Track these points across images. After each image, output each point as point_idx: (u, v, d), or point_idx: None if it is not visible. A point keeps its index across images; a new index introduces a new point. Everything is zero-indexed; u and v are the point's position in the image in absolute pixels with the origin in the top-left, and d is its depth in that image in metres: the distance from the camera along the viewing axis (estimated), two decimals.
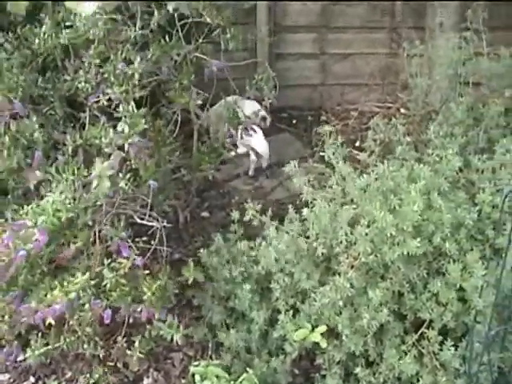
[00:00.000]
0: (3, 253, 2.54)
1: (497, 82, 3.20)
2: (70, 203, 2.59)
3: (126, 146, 2.79)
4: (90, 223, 2.76)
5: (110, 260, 2.82)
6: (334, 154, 2.80)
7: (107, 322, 2.77)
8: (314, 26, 5.44)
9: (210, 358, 3.21)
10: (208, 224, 4.25)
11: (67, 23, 3.35)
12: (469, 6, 4.57)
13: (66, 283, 2.69)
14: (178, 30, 3.45)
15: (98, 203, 2.75)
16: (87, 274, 2.68)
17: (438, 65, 3.30)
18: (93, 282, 2.74)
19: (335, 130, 4.35)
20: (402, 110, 4.07)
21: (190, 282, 3.07)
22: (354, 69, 5.54)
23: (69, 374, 3.22)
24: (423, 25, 4.97)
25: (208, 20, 3.57)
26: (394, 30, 5.39)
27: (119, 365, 3.23)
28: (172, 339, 2.99)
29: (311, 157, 4.67)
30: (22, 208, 2.71)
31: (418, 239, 2.53)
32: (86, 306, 2.73)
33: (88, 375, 3.19)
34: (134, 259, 2.77)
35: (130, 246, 2.82)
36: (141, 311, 2.82)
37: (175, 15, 3.53)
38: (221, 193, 4.63)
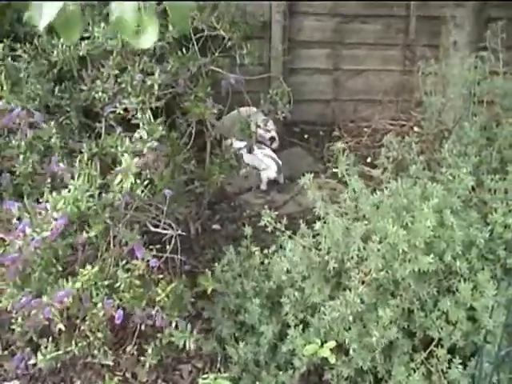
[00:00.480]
0: (19, 239, 2.58)
1: (511, 101, 3.23)
2: (90, 195, 2.64)
3: (145, 151, 2.84)
4: (108, 222, 2.81)
5: (124, 261, 2.87)
6: (346, 170, 2.83)
7: (118, 321, 2.79)
8: (328, 42, 5.50)
9: (219, 370, 3.24)
10: (219, 237, 4.29)
11: (85, 34, 3.44)
12: (483, 26, 4.69)
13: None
14: (193, 44, 3.52)
15: (117, 203, 2.79)
16: (96, 267, 2.72)
17: (453, 84, 3.33)
18: (106, 283, 2.78)
19: (348, 147, 4.44)
20: (416, 129, 4.10)
21: (208, 291, 3.10)
22: (367, 85, 5.59)
23: (77, 383, 3.25)
24: (437, 43, 5.02)
25: (223, 33, 3.63)
26: (408, 48, 5.44)
27: (128, 375, 3.26)
28: (183, 349, 3.03)
29: (323, 172, 4.71)
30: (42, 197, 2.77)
31: (431, 256, 2.56)
32: (99, 305, 2.76)
33: None
34: (149, 261, 2.81)
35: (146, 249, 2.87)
36: (155, 315, 2.84)
37: (190, 28, 3.60)
38: (232, 206, 4.67)
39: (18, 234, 2.57)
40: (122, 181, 2.67)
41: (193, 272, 3.74)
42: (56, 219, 2.57)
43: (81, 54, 3.23)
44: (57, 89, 3.38)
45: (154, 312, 2.85)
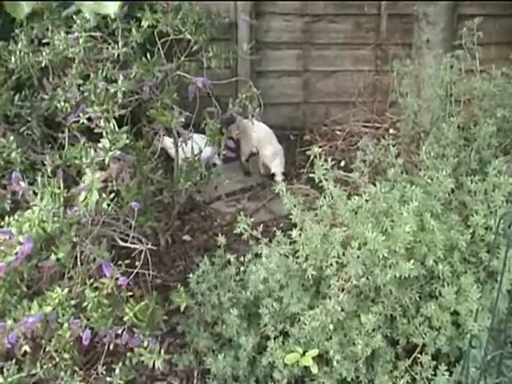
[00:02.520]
0: None
1: (488, 101, 3.30)
2: (55, 215, 2.63)
3: (107, 161, 2.83)
4: (75, 240, 2.80)
5: (91, 280, 2.86)
6: (324, 175, 2.86)
7: (86, 342, 2.78)
8: (296, 43, 5.53)
9: None
10: (190, 248, 4.30)
11: (44, 40, 3.44)
12: (456, 24, 4.78)
13: (42, 301, 2.72)
14: (158, 48, 3.53)
15: (83, 220, 2.79)
16: (66, 289, 2.70)
17: (429, 84, 3.39)
18: (73, 302, 2.77)
19: (323, 151, 4.47)
20: (391, 131, 4.16)
21: (182, 308, 3.08)
22: (338, 86, 5.63)
23: None
24: (409, 41, 5.08)
25: (188, 37, 3.65)
26: (379, 47, 5.51)
27: None
28: (154, 367, 3.01)
29: (296, 178, 4.75)
30: (3, 220, 2.74)
31: (412, 261, 2.60)
32: (65, 325, 2.74)
33: None
34: (117, 279, 2.81)
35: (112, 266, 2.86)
36: (121, 335, 2.84)
37: (155, 32, 3.61)
38: (202, 215, 4.67)
39: None
40: (86, 197, 2.66)
41: (165, 286, 3.74)
42: (21, 243, 2.55)
43: (43, 63, 3.20)
44: (16, 97, 3.36)
45: (120, 331, 2.84)
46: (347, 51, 5.58)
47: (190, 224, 4.56)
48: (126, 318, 2.80)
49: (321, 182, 2.93)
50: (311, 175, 2.94)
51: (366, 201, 2.78)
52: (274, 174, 4.74)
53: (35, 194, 2.74)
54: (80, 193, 2.70)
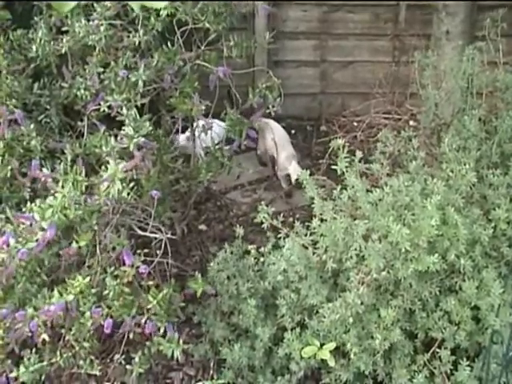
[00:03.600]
0: (2, 251, 2.55)
1: (511, 94, 3.26)
2: (77, 203, 2.62)
3: (132, 148, 2.82)
4: (96, 228, 2.79)
5: (112, 268, 2.86)
6: (346, 167, 2.84)
7: (107, 331, 2.77)
8: (314, 33, 5.51)
9: (212, 377, 3.24)
10: (206, 238, 4.29)
11: (64, 28, 3.41)
12: (476, 15, 4.73)
13: (63, 289, 2.72)
14: (177, 37, 3.50)
15: (104, 208, 2.78)
16: (87, 277, 2.70)
17: (451, 76, 3.35)
18: (94, 291, 2.76)
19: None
20: (411, 123, 4.13)
21: (198, 294, 3.08)
22: (356, 77, 5.60)
23: None
24: (428, 32, 5.04)
25: (207, 25, 3.61)
26: (397, 38, 5.47)
27: None
28: (172, 356, 3.01)
29: (313, 169, 4.72)
30: (25, 206, 2.73)
31: (438, 255, 2.58)
32: (87, 314, 2.73)
33: None
34: (138, 267, 2.80)
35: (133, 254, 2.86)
36: (145, 323, 2.83)
37: (174, 21, 3.58)
38: (218, 205, 4.66)
39: (2, 247, 2.54)
40: (108, 187, 2.65)
41: (180, 275, 3.73)
42: (43, 229, 2.54)
43: (63, 50, 3.18)
44: (36, 86, 3.34)
45: (143, 320, 2.83)
46: (365, 42, 5.56)
47: (206, 214, 4.55)
48: (149, 306, 2.80)
49: (343, 174, 2.90)
50: (333, 167, 2.91)
51: (387, 193, 2.75)
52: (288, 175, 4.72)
53: (56, 181, 2.73)
54: (103, 183, 2.68)
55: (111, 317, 2.80)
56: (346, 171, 2.85)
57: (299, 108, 5.57)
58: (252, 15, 5.23)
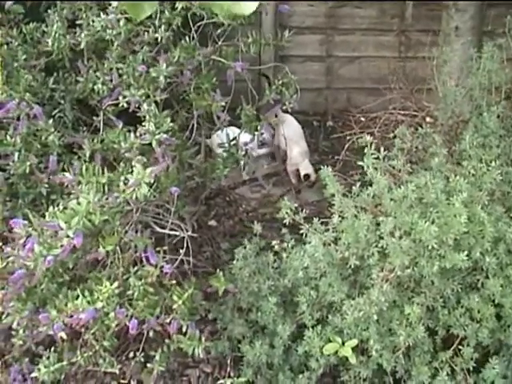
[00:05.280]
0: (28, 258, 2.53)
1: None
2: (102, 206, 2.59)
3: (154, 144, 2.80)
4: (119, 229, 2.77)
5: (136, 268, 2.84)
6: (373, 164, 2.83)
7: (133, 332, 2.75)
8: (320, 28, 5.51)
9: (229, 375, 3.23)
10: (216, 233, 4.27)
11: (78, 22, 3.38)
12: (485, 11, 4.74)
13: (88, 292, 2.69)
14: (194, 32, 3.48)
15: (127, 208, 2.76)
16: (115, 283, 2.68)
17: (471, 72, 3.35)
18: (117, 291, 2.74)
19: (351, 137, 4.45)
20: (428, 119, 4.13)
21: (220, 292, 3.07)
22: (361, 72, 5.61)
23: None
24: (434, 28, 5.05)
25: (222, 20, 3.58)
26: (403, 33, 5.47)
27: (133, 382, 3.23)
28: (192, 354, 2.99)
29: (323, 164, 4.71)
30: (47, 210, 2.70)
31: (465, 252, 2.58)
32: (111, 314, 2.71)
33: None
34: (162, 267, 2.78)
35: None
36: (169, 323, 2.82)
37: (188, 16, 3.55)
38: (227, 201, 4.65)
39: (28, 255, 2.52)
40: (134, 190, 2.62)
41: (195, 272, 3.71)
42: (68, 236, 2.51)
43: (81, 45, 3.15)
44: (51, 80, 3.31)
45: (168, 320, 2.81)
46: (371, 37, 5.57)
47: (216, 209, 4.53)
48: (175, 306, 2.78)
49: (363, 170, 2.89)
50: (360, 163, 2.90)
51: (412, 191, 2.75)
52: (307, 176, 4.68)
53: (79, 183, 2.70)
54: (129, 187, 2.65)
55: (136, 317, 2.77)
56: (375, 168, 2.84)
57: (305, 103, 5.50)
58: (259, 10, 5.20)
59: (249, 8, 1.41)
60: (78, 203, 2.54)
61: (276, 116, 4.69)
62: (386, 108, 4.93)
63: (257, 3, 1.40)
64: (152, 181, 2.65)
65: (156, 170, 2.66)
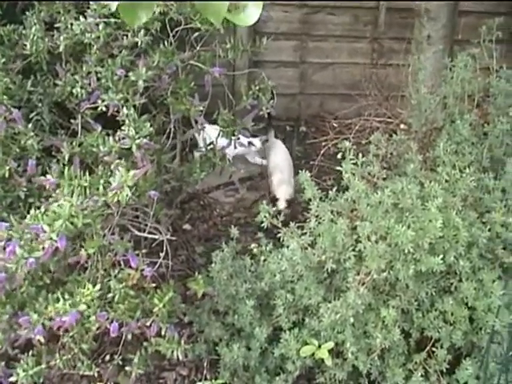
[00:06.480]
0: (10, 261, 2.53)
1: (503, 99, 3.36)
2: (84, 209, 2.60)
3: (134, 148, 2.82)
4: (100, 232, 2.79)
5: (116, 271, 2.86)
6: (351, 170, 2.89)
7: (113, 334, 2.77)
8: (294, 34, 5.57)
9: (205, 377, 3.26)
10: (191, 237, 4.30)
11: (57, 25, 3.39)
12: (457, 20, 4.84)
13: (69, 295, 2.70)
14: (173, 36, 3.50)
15: (107, 212, 2.78)
16: (98, 285, 2.69)
17: (447, 82, 3.43)
18: (97, 294, 2.76)
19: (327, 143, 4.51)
20: (402, 126, 4.21)
21: (199, 295, 3.11)
22: (335, 79, 5.68)
23: None
24: (407, 36, 5.14)
25: (199, 25, 3.61)
26: (376, 41, 5.56)
27: None
28: (168, 357, 3.02)
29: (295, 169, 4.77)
30: (25, 213, 2.71)
31: (441, 256, 2.65)
32: (92, 318, 2.71)
33: None
34: (143, 270, 2.81)
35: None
36: (150, 326, 2.84)
37: (166, 20, 3.58)
38: (201, 205, 4.68)
39: (9, 257, 2.52)
40: (116, 193, 2.64)
41: (172, 276, 3.73)
42: (51, 239, 2.52)
43: (60, 48, 3.16)
44: (29, 83, 3.31)
45: (148, 323, 2.84)
46: (344, 43, 5.63)
47: (190, 213, 4.56)
48: (155, 309, 2.80)
49: (348, 176, 2.94)
50: (338, 168, 2.95)
51: (388, 196, 2.81)
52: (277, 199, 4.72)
53: (58, 185, 2.71)
54: (111, 190, 2.66)
55: (116, 320, 2.79)
56: (352, 173, 2.90)
57: (278, 108, 5.50)
58: None
59: (252, 18, 1.42)
60: (60, 206, 2.55)
61: (267, 141, 4.85)
62: (360, 114, 5.01)
63: (259, 12, 1.41)
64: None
65: (139, 173, 2.68)
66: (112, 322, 2.76)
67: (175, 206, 4.03)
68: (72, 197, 2.57)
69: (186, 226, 4.42)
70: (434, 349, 2.93)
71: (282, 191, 4.49)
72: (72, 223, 2.54)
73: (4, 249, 2.56)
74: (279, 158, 4.79)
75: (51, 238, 2.50)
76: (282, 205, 4.43)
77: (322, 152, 4.48)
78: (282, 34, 5.52)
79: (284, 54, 5.61)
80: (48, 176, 2.79)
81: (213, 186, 4.79)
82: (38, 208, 2.69)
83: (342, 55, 5.65)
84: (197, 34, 3.60)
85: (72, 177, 2.69)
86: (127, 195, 2.62)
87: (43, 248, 2.53)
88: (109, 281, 2.81)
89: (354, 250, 2.87)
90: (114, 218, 2.88)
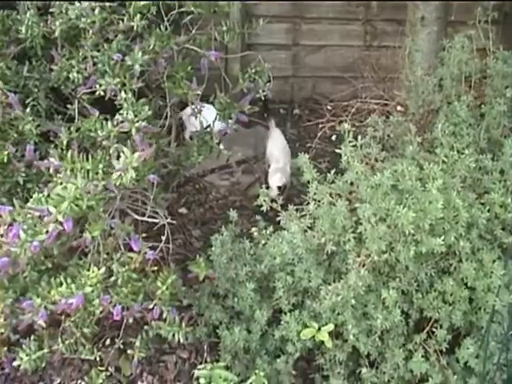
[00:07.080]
0: (14, 244, 2.52)
1: (500, 81, 3.37)
2: (88, 192, 2.60)
3: (134, 131, 2.81)
4: (102, 215, 2.79)
5: (119, 254, 2.86)
6: (351, 152, 2.90)
7: (117, 318, 2.78)
8: (286, 17, 5.55)
9: (205, 360, 3.27)
10: (187, 221, 4.30)
11: (51, 10, 3.36)
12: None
13: (71, 279, 2.70)
14: (167, 21, 3.48)
15: (110, 195, 2.78)
16: (103, 268, 2.70)
17: (442, 63, 3.44)
18: (102, 277, 2.75)
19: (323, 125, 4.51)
20: (399, 108, 4.22)
21: (201, 277, 3.14)
22: (327, 61, 5.68)
23: (58, 381, 3.23)
24: (399, 18, 5.14)
25: (192, 9, 3.59)
26: (369, 23, 5.55)
27: (110, 369, 3.25)
28: (165, 339, 3.04)
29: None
30: (27, 198, 2.70)
31: (442, 237, 2.67)
32: (96, 301, 2.71)
33: (78, 381, 3.21)
34: (145, 253, 2.81)
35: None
36: (152, 309, 2.85)
37: (160, 4, 3.55)
38: (197, 188, 4.68)
39: (14, 240, 2.51)
40: (120, 175, 2.64)
41: (164, 258, 3.74)
42: (57, 221, 2.51)
43: (56, 33, 3.14)
44: (25, 68, 3.28)
45: (151, 306, 2.85)
46: (337, 26, 5.62)
47: (186, 197, 4.56)
48: (158, 292, 2.81)
49: (345, 156, 2.95)
50: (337, 150, 2.96)
51: (388, 178, 2.82)
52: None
53: (63, 168, 2.70)
54: (116, 171, 2.66)
55: (119, 304, 2.80)
56: (351, 155, 2.91)
57: (271, 91, 5.57)
58: None
59: None
60: (65, 188, 2.55)
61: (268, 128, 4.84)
62: (355, 96, 5.01)
63: None
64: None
65: (144, 154, 2.68)
66: (115, 305, 2.76)
67: (171, 190, 4.04)
68: (76, 179, 2.56)
69: (182, 210, 4.42)
70: (433, 329, 2.95)
71: (276, 180, 4.49)
72: (77, 205, 2.54)
73: (7, 233, 2.56)
74: (277, 147, 4.77)
75: (57, 220, 2.50)
76: (272, 192, 4.42)
77: (319, 135, 4.46)
78: (275, 17, 5.46)
79: (276, 36, 5.60)
80: (51, 159, 2.77)
81: (208, 169, 4.78)
82: (39, 193, 2.69)
83: (334, 37, 5.64)
84: (190, 16, 3.58)
85: (75, 160, 2.67)
86: (131, 177, 2.61)
87: (47, 232, 2.53)
88: (111, 264, 2.81)
89: (353, 232, 2.88)
90: (115, 201, 2.88)
